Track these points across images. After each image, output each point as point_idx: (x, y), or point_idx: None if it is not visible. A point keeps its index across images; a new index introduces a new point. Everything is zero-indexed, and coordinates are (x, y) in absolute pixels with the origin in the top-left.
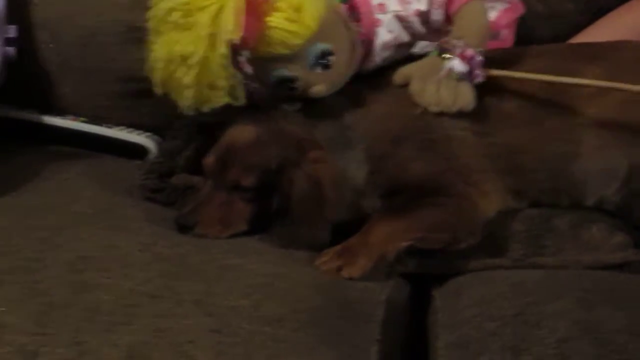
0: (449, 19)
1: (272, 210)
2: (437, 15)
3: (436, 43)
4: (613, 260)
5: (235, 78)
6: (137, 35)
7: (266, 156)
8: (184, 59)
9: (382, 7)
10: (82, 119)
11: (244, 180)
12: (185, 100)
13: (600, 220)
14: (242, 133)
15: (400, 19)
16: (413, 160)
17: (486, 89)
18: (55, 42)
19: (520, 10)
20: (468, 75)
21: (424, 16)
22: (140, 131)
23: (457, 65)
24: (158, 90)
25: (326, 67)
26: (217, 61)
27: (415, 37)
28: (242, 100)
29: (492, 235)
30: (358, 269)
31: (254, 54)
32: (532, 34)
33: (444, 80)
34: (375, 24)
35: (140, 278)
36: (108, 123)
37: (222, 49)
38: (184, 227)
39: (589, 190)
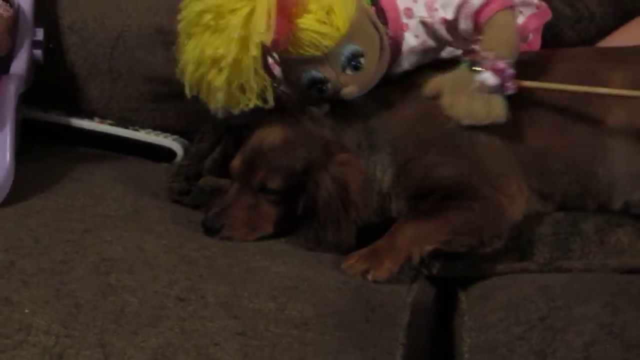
0: (478, 28)
1: (298, 212)
2: (465, 25)
3: (466, 55)
4: (639, 264)
5: (265, 81)
6: (163, 38)
7: (293, 158)
8: (215, 61)
9: (408, 12)
10: (109, 121)
11: (271, 183)
12: (216, 102)
13: (627, 224)
14: (268, 135)
15: (426, 25)
16: (438, 165)
17: (512, 96)
18: (83, 44)
19: (548, 15)
20: (499, 88)
21: (450, 24)
22: (167, 134)
23: (488, 78)
24: (189, 92)
25: (357, 68)
26: (249, 63)
27: (442, 43)
28: (271, 103)
29: (518, 239)
30: (384, 272)
31: (284, 56)
32: (559, 37)
33: (476, 94)
34: (402, 28)
35: (166, 280)
36: (135, 125)
37: (254, 51)
38: (210, 230)
39: (616, 194)
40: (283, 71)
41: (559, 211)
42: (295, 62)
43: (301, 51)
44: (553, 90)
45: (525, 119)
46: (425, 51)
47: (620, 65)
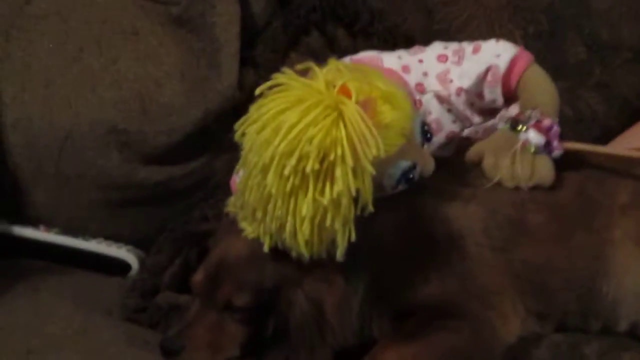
0: (509, 94)
1: (267, 333)
2: (491, 94)
3: (508, 117)
4: None
5: None
6: (117, 138)
7: (262, 273)
8: (334, 203)
9: (420, 87)
10: (55, 229)
11: (237, 300)
12: (340, 244)
13: (634, 348)
14: (235, 246)
15: (441, 99)
16: (423, 282)
17: (508, 201)
18: (27, 145)
19: None
20: (545, 148)
21: (468, 95)
22: (121, 244)
23: (533, 136)
24: (306, 255)
25: (429, 138)
26: (367, 183)
27: (460, 118)
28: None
29: None
30: None
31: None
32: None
33: (519, 154)
34: (416, 104)
35: None
36: (85, 235)
37: (369, 168)
38: (169, 352)
39: (621, 314)
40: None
41: (558, 332)
42: (382, 164)
43: (392, 146)
44: (553, 194)
45: (519, 227)
46: (438, 133)
47: (632, 170)
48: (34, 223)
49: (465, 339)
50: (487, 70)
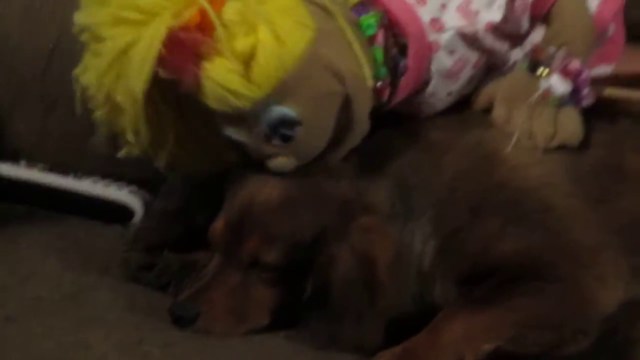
0: (535, 20)
1: (304, 297)
2: (516, 23)
3: (526, 52)
4: None
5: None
6: None
7: (297, 223)
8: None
9: (437, 25)
10: (40, 166)
11: (266, 256)
12: (99, 135)
13: None
14: (264, 190)
15: (466, 37)
16: (500, 236)
17: (599, 140)
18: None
19: None
20: (573, 97)
21: (498, 29)
22: (121, 184)
23: (557, 83)
24: (77, 109)
25: (286, 139)
26: (127, 109)
27: (488, 54)
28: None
29: (612, 336)
30: None
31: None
32: None
33: (540, 105)
34: (429, 48)
35: None
36: (77, 173)
37: (127, 102)
38: (181, 319)
39: None
40: None
41: None
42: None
43: (207, 103)
44: None
45: (621, 172)
46: (463, 70)
47: None
48: (13, 157)
49: (552, 306)
50: None
